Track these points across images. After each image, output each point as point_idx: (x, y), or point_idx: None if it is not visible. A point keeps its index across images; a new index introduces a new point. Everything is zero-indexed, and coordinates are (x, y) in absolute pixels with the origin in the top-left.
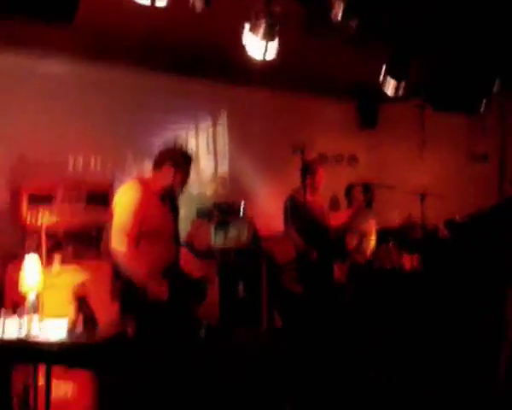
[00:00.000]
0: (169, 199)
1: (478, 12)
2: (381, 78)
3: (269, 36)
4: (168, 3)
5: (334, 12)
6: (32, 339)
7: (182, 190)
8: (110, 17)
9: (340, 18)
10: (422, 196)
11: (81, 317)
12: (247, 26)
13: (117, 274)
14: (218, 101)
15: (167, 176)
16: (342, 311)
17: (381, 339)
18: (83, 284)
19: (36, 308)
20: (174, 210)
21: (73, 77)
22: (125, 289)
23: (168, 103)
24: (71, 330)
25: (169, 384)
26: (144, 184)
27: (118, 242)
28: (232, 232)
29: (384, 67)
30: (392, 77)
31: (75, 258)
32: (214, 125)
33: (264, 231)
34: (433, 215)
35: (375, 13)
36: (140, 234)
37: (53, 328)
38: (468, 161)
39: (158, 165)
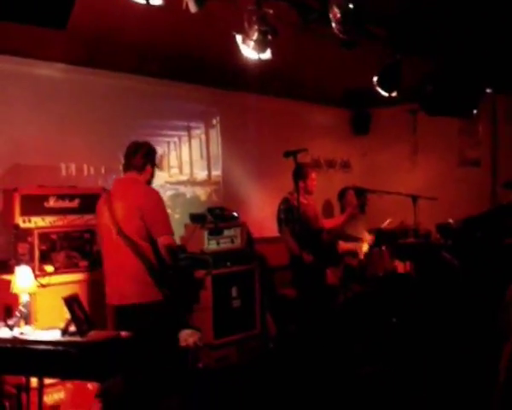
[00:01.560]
0: None
1: (470, 17)
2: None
3: (261, 46)
4: (163, 3)
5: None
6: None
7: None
8: (103, 23)
9: (337, 25)
10: (415, 200)
11: (74, 317)
12: (239, 37)
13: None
14: (211, 106)
15: (148, 175)
16: (335, 315)
17: (375, 342)
18: (76, 293)
19: (29, 311)
20: None
21: (67, 82)
22: None
23: (161, 109)
24: (64, 331)
25: (165, 385)
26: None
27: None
28: (226, 237)
29: (375, 80)
30: (383, 89)
31: (68, 262)
32: (207, 130)
33: (258, 235)
34: (426, 220)
35: (371, 20)
36: None
37: (46, 330)
38: (461, 165)
39: (141, 169)
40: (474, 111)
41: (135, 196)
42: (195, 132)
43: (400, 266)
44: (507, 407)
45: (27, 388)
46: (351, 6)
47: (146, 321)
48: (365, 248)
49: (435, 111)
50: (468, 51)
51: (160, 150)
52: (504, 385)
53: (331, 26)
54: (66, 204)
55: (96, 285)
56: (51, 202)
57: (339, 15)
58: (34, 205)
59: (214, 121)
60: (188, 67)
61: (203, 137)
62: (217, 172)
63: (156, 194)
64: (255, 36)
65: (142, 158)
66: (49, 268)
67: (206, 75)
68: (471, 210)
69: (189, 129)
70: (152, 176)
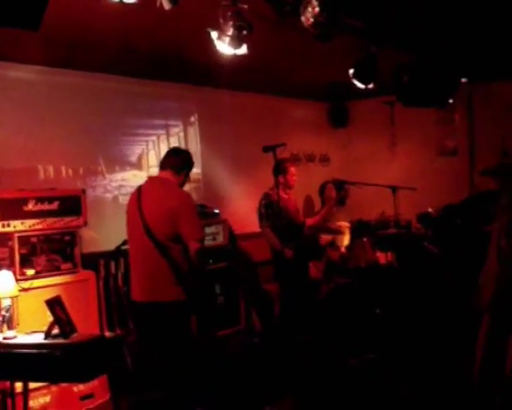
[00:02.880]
0: None
1: (445, 7)
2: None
3: (236, 42)
4: (137, 1)
5: (304, 17)
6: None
7: None
8: (78, 23)
9: (311, 22)
10: (394, 191)
11: (57, 319)
12: (214, 33)
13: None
14: (189, 103)
15: (181, 180)
16: (319, 307)
17: (360, 333)
18: (58, 296)
19: (11, 316)
20: None
21: (43, 84)
22: None
23: (139, 108)
24: (48, 333)
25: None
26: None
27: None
28: (207, 234)
29: (351, 72)
30: (360, 81)
31: (49, 265)
32: (186, 127)
33: (240, 231)
34: (406, 210)
35: (346, 14)
36: None
37: (29, 334)
38: (439, 155)
39: (179, 170)
40: (450, 100)
41: (168, 198)
42: (174, 130)
43: (382, 257)
44: (486, 384)
45: (12, 393)
46: None
47: (165, 319)
48: (346, 240)
49: (411, 102)
50: (442, 41)
51: (138, 149)
52: (482, 363)
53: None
54: (46, 207)
55: (78, 287)
56: (30, 206)
57: (317, 9)
58: (13, 209)
59: (192, 119)
60: (164, 65)
61: (181, 134)
62: (196, 170)
63: (189, 198)
64: (230, 31)
65: (183, 162)
66: (30, 272)
67: (183, 73)
68: (450, 199)
69: (167, 127)
70: (184, 183)
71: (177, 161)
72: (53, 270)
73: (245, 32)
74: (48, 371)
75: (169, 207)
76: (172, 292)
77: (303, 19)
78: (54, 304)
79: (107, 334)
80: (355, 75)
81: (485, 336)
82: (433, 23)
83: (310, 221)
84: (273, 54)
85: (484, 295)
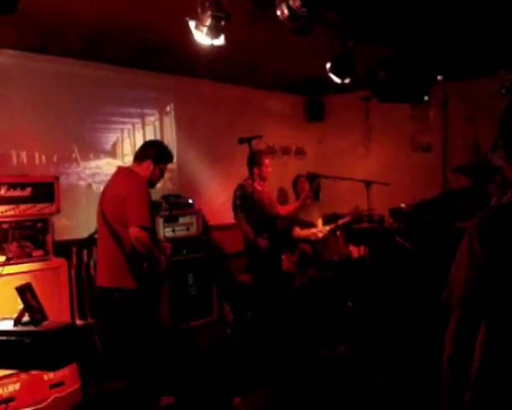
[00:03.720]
0: None
1: (422, 4)
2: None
3: (214, 32)
4: None
5: (279, 10)
6: None
7: (155, 185)
8: (54, 8)
9: (286, 16)
10: (368, 186)
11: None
12: (192, 23)
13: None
14: (165, 93)
15: (147, 171)
16: (291, 300)
17: (332, 326)
18: (29, 282)
19: None
20: None
21: (18, 68)
22: None
23: (114, 95)
24: (17, 320)
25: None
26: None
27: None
28: (181, 224)
29: (328, 66)
30: (336, 76)
31: (21, 252)
32: (161, 117)
33: (214, 222)
34: (380, 205)
35: (322, 9)
36: None
37: None
38: (413, 151)
39: (141, 159)
40: (426, 98)
41: (122, 185)
42: (149, 119)
43: (355, 251)
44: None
45: None
46: None
47: (118, 307)
48: (320, 235)
49: (386, 98)
50: (419, 38)
51: (113, 137)
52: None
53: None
54: (18, 193)
55: (49, 275)
56: (2, 191)
57: (298, 3)
58: None
59: (168, 108)
60: (141, 53)
61: (157, 124)
62: None
63: (141, 186)
64: (208, 22)
65: (144, 151)
66: (1, 258)
67: (160, 61)
68: (423, 195)
69: (142, 116)
70: (153, 175)
71: (139, 151)
72: (24, 257)
73: (223, 23)
74: (17, 359)
75: (119, 192)
76: (124, 279)
77: (278, 12)
78: (24, 291)
79: (78, 322)
80: (332, 69)
81: (453, 331)
82: (411, 20)
83: (283, 210)
84: (251, 45)
85: (453, 290)
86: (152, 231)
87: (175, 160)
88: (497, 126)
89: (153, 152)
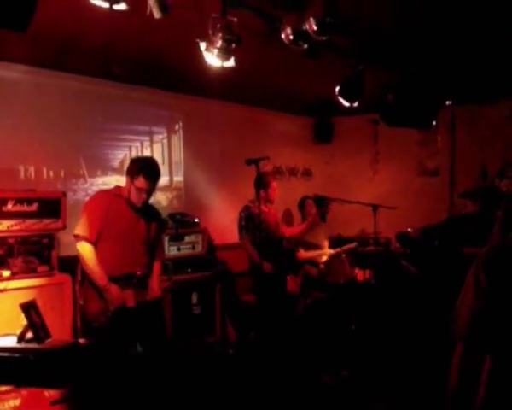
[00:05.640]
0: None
1: (431, 29)
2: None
3: (224, 54)
4: (127, 9)
5: (284, 34)
6: None
7: (138, 205)
8: (67, 26)
9: (290, 40)
10: (375, 209)
11: (32, 324)
12: (202, 44)
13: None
14: (174, 111)
15: (127, 186)
16: (295, 322)
17: (335, 349)
18: (33, 299)
19: None
20: (148, 218)
21: (28, 83)
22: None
23: (123, 113)
24: (21, 337)
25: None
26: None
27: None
28: (186, 243)
29: (337, 89)
30: (345, 99)
31: (26, 267)
32: (170, 135)
33: (219, 242)
34: (386, 228)
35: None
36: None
37: (3, 336)
38: (420, 175)
39: (131, 174)
40: (434, 122)
41: None
42: (158, 137)
43: (360, 274)
44: None
45: None
46: (328, 19)
47: None
48: (325, 257)
49: (395, 122)
50: (428, 63)
51: (121, 154)
52: (454, 391)
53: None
54: (25, 208)
55: (54, 290)
56: (9, 206)
57: (314, 27)
58: None
59: (177, 127)
60: (151, 71)
61: (165, 142)
62: (178, 178)
63: (90, 197)
64: (219, 44)
65: (128, 166)
66: (6, 273)
67: (170, 80)
68: (429, 219)
69: (151, 134)
70: (130, 193)
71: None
72: (29, 272)
73: (233, 46)
74: (20, 376)
75: None
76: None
77: (283, 36)
78: (29, 308)
79: (81, 341)
80: (341, 93)
81: (457, 364)
82: (420, 45)
83: (289, 232)
84: (261, 67)
85: (458, 323)
86: (94, 245)
87: (182, 178)
88: (507, 155)
89: (129, 167)
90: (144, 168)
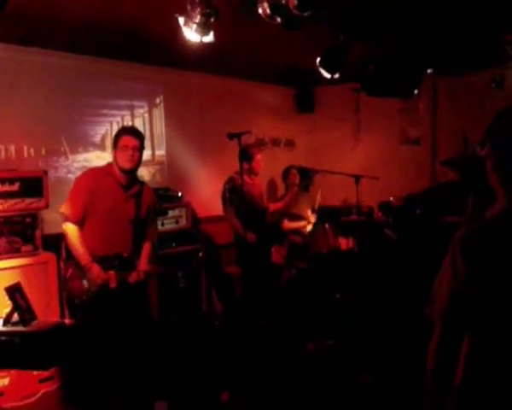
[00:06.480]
0: (133, 187)
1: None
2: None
3: (203, 29)
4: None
5: (261, 8)
6: None
7: (129, 169)
8: (42, 0)
9: (267, 14)
10: (357, 179)
11: (17, 307)
12: (181, 19)
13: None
14: (155, 85)
15: (114, 159)
16: (280, 292)
17: (320, 318)
18: (18, 282)
19: None
20: (138, 198)
21: (6, 62)
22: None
23: (103, 88)
24: (7, 320)
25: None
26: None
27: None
28: (170, 217)
29: (318, 61)
30: (326, 71)
31: (9, 247)
32: (151, 109)
33: (203, 215)
34: (368, 197)
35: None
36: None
37: None
38: (402, 144)
39: (114, 143)
40: (415, 91)
41: None
42: (139, 112)
43: (343, 243)
44: (437, 389)
45: None
46: None
47: None
48: (309, 227)
49: (376, 92)
50: (409, 32)
51: (102, 130)
52: (433, 373)
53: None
54: (6, 188)
55: (38, 269)
56: None
57: (296, 2)
58: None
59: (158, 100)
60: (130, 45)
61: (146, 116)
62: (161, 152)
63: (79, 175)
64: (197, 19)
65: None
66: None
67: (150, 53)
68: (412, 188)
69: (132, 108)
70: (118, 160)
71: None
72: (13, 252)
73: (212, 20)
74: (7, 358)
75: None
76: None
77: (260, 10)
78: (14, 291)
79: (67, 321)
80: (322, 64)
81: (436, 344)
82: (401, 13)
83: (273, 207)
84: (239, 37)
85: (436, 303)
86: (79, 224)
87: (164, 152)
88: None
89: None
90: (123, 129)
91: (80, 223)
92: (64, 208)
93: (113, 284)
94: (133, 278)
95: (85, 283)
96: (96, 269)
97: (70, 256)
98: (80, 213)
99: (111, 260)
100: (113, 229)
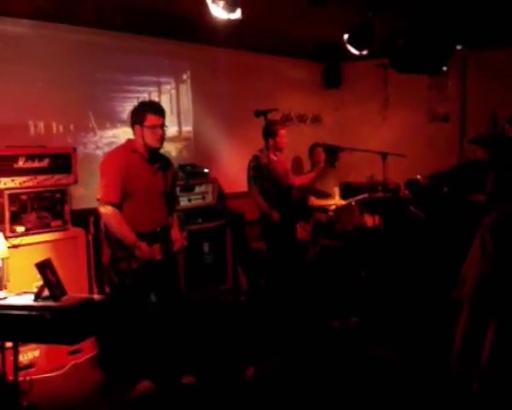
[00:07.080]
0: (157, 160)
1: None
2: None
3: (231, 6)
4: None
5: None
6: None
7: (157, 147)
8: None
9: None
10: (384, 157)
11: (47, 282)
12: None
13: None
14: (181, 60)
15: (138, 137)
16: (305, 269)
17: (345, 295)
18: (48, 258)
19: (1, 276)
20: (163, 169)
21: (33, 39)
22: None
23: (131, 64)
24: (38, 295)
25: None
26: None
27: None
28: (197, 193)
29: (346, 38)
30: (354, 47)
31: (39, 222)
32: (178, 85)
33: (229, 191)
34: (395, 174)
35: None
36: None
37: (20, 294)
38: (430, 121)
39: (132, 128)
40: (444, 68)
41: None
42: (165, 88)
43: (369, 221)
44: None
45: (2, 348)
46: None
47: None
48: (335, 203)
49: (405, 68)
50: (438, 7)
51: (129, 106)
52: (459, 351)
53: None
54: (36, 164)
55: (68, 244)
56: (20, 163)
57: None
58: (3, 166)
59: (185, 76)
60: (157, 21)
61: (173, 92)
62: (187, 128)
63: (105, 158)
64: None
65: (130, 119)
66: (20, 229)
67: (176, 29)
68: (439, 165)
69: (158, 84)
70: (145, 138)
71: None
72: (43, 227)
73: None
74: (38, 333)
75: None
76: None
77: None
78: (44, 267)
79: (96, 296)
80: (350, 41)
81: (463, 327)
82: None
83: (298, 180)
84: (267, 12)
85: (465, 286)
86: (119, 207)
87: (191, 128)
88: None
89: (133, 116)
90: (148, 106)
91: (119, 205)
92: (102, 195)
93: (159, 256)
94: (177, 246)
95: (133, 262)
96: (144, 246)
97: (109, 241)
98: (120, 194)
99: (153, 234)
100: (151, 204)
